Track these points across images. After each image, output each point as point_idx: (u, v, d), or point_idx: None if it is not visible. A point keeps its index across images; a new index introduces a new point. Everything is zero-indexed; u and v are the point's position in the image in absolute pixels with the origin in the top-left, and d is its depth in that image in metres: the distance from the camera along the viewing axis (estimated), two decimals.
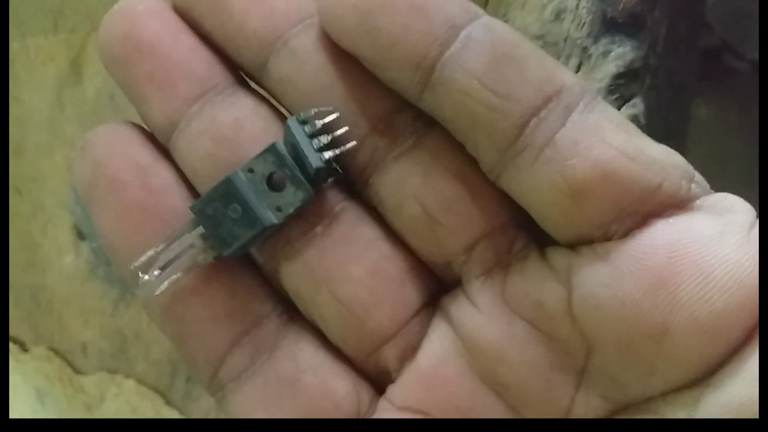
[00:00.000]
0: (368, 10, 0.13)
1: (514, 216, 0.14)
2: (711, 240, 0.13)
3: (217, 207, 0.14)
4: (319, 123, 0.14)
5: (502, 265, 0.14)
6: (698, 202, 0.13)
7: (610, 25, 0.20)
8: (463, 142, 0.14)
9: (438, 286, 0.15)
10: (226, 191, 0.14)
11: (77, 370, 0.33)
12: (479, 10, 0.14)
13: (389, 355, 0.15)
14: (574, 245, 0.14)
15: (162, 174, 0.15)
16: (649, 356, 0.13)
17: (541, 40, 0.21)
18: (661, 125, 0.23)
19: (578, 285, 0.13)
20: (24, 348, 0.35)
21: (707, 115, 0.50)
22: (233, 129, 0.15)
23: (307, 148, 0.14)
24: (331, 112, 0.14)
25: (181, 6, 0.15)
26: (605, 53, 0.20)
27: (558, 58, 0.20)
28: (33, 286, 0.34)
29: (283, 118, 0.15)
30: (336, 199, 0.15)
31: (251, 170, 0.14)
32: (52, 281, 0.34)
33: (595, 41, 0.20)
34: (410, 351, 0.15)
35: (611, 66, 0.20)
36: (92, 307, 0.32)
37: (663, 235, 0.13)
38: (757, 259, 0.12)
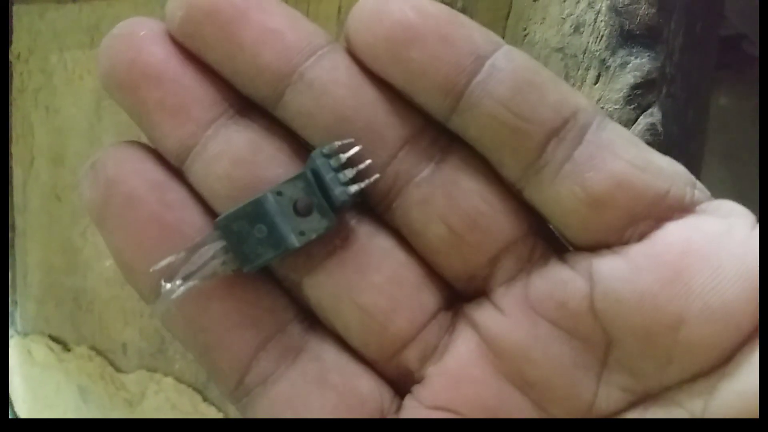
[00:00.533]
0: (401, 41, 0.14)
1: (532, 226, 0.15)
2: (719, 237, 0.14)
3: (243, 225, 0.15)
4: (344, 157, 0.15)
5: (524, 271, 0.15)
6: (702, 206, 0.15)
7: (627, 38, 0.21)
8: (489, 159, 0.15)
9: (451, 293, 0.16)
10: (254, 211, 0.15)
11: (118, 369, 0.34)
12: (500, 40, 0.15)
13: (410, 356, 0.15)
14: (593, 249, 0.15)
15: (177, 189, 0.15)
16: (667, 346, 0.14)
17: (561, 52, 0.21)
18: (678, 127, 0.24)
19: (599, 281, 0.14)
20: (66, 348, 0.37)
21: (727, 103, 0.51)
22: (250, 150, 0.15)
23: (333, 181, 0.15)
24: (353, 145, 0.15)
25: (182, 36, 0.15)
26: (623, 65, 0.21)
27: (577, 70, 0.21)
28: (74, 289, 0.36)
29: (296, 140, 0.16)
30: (351, 213, 0.16)
31: (280, 193, 0.15)
32: (93, 284, 0.35)
33: (613, 53, 0.21)
34: (430, 352, 0.16)
35: (629, 77, 0.21)
36: (131, 309, 0.33)
37: (675, 233, 0.14)
38: (742, 254, 0.14)
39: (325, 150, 0.15)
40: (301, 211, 0.15)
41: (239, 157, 0.15)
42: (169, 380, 0.32)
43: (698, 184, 0.15)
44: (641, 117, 0.21)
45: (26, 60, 0.36)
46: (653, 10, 0.20)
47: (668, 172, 0.14)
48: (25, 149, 0.37)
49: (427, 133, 0.15)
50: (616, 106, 0.21)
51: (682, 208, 0.14)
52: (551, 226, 0.15)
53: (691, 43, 0.25)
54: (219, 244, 0.15)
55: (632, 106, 0.21)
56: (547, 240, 0.15)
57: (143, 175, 0.15)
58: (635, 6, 0.20)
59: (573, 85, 0.21)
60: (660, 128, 0.21)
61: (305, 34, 0.15)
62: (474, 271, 0.15)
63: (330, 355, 0.16)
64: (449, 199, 0.15)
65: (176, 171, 0.16)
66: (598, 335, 0.14)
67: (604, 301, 0.14)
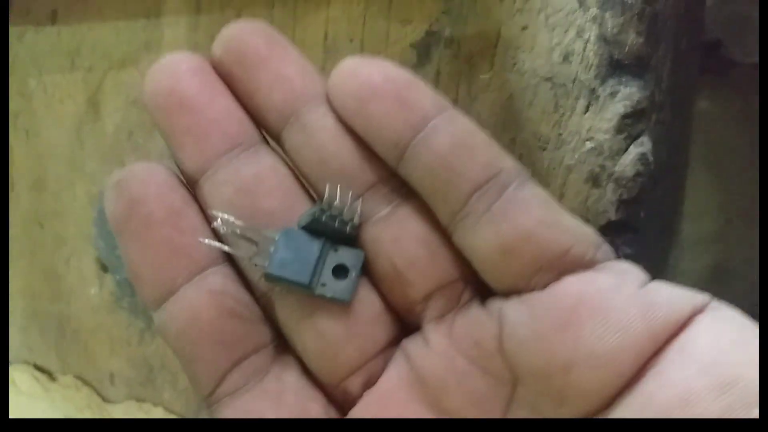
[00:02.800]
0: (364, 97, 0.17)
1: (462, 274, 0.17)
2: (609, 291, 0.16)
3: (298, 242, 0.17)
4: (340, 206, 0.17)
5: (452, 311, 0.17)
6: (601, 264, 0.16)
7: (616, 67, 0.21)
8: (428, 204, 0.17)
9: (402, 330, 0.18)
10: (311, 245, 0.17)
11: (105, 399, 0.34)
12: (448, 105, 0.17)
13: (355, 383, 0.18)
14: (506, 294, 0.17)
15: (192, 216, 0.18)
16: (560, 387, 0.15)
17: (550, 81, 0.21)
18: (666, 149, 0.24)
19: (506, 324, 0.16)
20: (52, 377, 0.36)
21: (708, 108, 0.51)
22: (253, 182, 0.18)
23: (341, 223, 0.17)
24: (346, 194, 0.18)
25: (220, 65, 0.18)
26: (613, 94, 0.21)
27: (567, 99, 0.21)
28: (58, 317, 0.35)
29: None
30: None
31: (336, 249, 0.18)
32: (78, 312, 0.34)
33: (603, 82, 0.21)
34: (372, 381, 0.18)
35: (619, 106, 0.21)
36: (118, 337, 0.33)
37: (571, 286, 0.16)
38: (644, 308, 0.15)
39: (324, 206, 0.17)
40: (335, 273, 0.17)
41: (243, 187, 0.18)
42: (159, 410, 0.31)
43: (604, 245, 0.17)
44: (631, 146, 0.21)
45: None
46: (641, 39, 0.20)
47: (573, 231, 0.16)
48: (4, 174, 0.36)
49: (390, 181, 0.18)
50: (606, 136, 0.21)
51: (582, 264, 0.16)
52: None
53: (678, 63, 0.25)
54: (273, 237, 0.17)
55: (623, 136, 0.21)
56: (477, 286, 0.18)
57: (162, 200, 0.17)
58: (624, 35, 0.20)
59: (563, 114, 0.21)
60: (650, 158, 0.20)
61: (310, 82, 0.18)
62: (411, 305, 0.18)
63: (291, 378, 0.18)
64: (395, 240, 0.17)
65: (189, 189, 0.18)
66: (506, 374, 0.16)
67: (509, 342, 0.16)
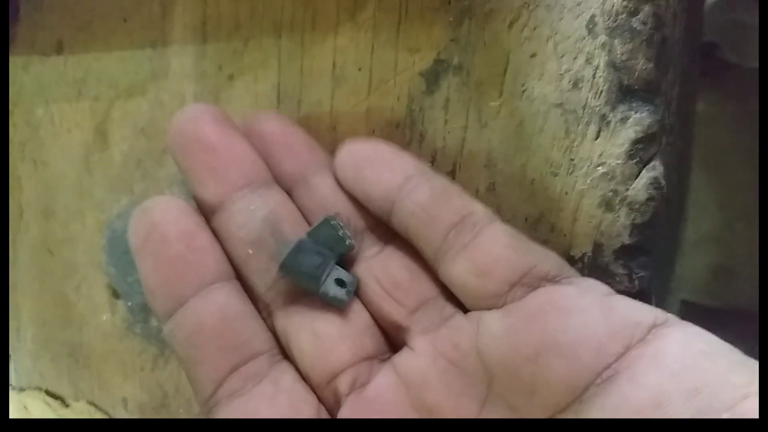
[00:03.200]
0: (359, 164, 0.21)
1: (444, 293, 0.20)
2: (573, 297, 0.18)
3: (314, 247, 0.20)
4: (344, 227, 0.21)
5: (437, 325, 0.20)
6: (567, 280, 0.19)
7: (626, 92, 0.21)
8: (416, 248, 0.21)
9: (391, 348, 0.21)
10: (326, 251, 0.21)
11: None
12: (426, 167, 0.21)
13: (344, 382, 0.20)
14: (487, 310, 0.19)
15: (203, 238, 0.20)
16: (529, 377, 0.17)
17: (561, 108, 0.21)
18: (676, 168, 0.24)
19: (482, 325, 0.19)
20: (65, 403, 0.36)
21: (704, 109, 0.51)
22: (266, 211, 0.21)
23: (344, 236, 0.21)
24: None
25: (245, 128, 0.22)
26: (623, 120, 0.21)
27: (578, 126, 0.21)
28: (70, 344, 0.35)
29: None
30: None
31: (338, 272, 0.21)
32: (89, 338, 0.34)
33: (613, 108, 0.21)
34: (358, 384, 0.20)
35: (630, 132, 0.21)
36: (131, 363, 0.33)
37: (540, 294, 0.19)
38: (605, 310, 0.17)
39: (333, 222, 0.21)
40: (339, 282, 0.21)
41: (257, 216, 0.21)
42: None
43: (566, 266, 0.19)
44: (643, 171, 0.21)
45: (11, 112, 0.35)
46: (651, 65, 0.20)
47: (537, 254, 0.19)
48: (13, 203, 0.36)
49: (380, 227, 0.22)
50: (618, 161, 0.21)
51: (549, 280, 0.19)
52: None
53: (685, 82, 0.25)
54: (297, 238, 0.21)
55: (634, 161, 0.21)
56: (459, 303, 0.20)
57: (178, 222, 0.20)
58: (633, 61, 0.20)
59: (573, 140, 0.21)
60: (663, 182, 0.21)
61: (315, 155, 0.23)
62: (399, 322, 0.20)
63: (286, 381, 0.20)
64: (383, 268, 0.21)
65: (205, 218, 0.21)
66: (482, 372, 0.19)
67: (483, 339, 0.19)
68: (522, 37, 0.22)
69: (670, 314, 0.17)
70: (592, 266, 0.21)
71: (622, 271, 0.21)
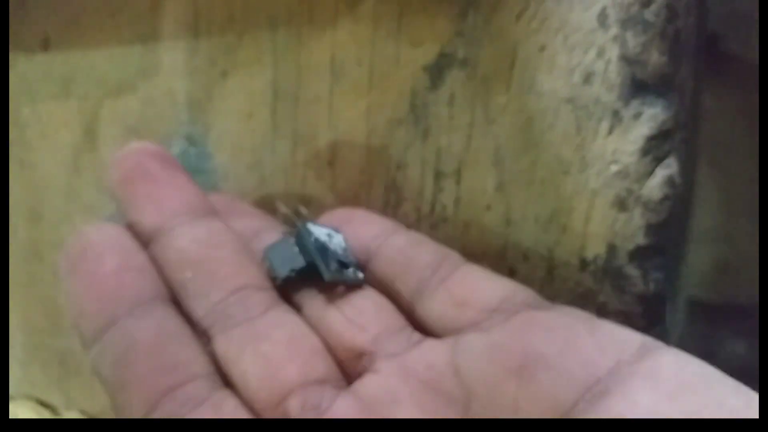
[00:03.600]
0: (345, 222, 0.22)
1: (409, 323, 0.20)
2: (556, 316, 0.18)
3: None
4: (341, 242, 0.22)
5: (404, 348, 0.19)
6: (546, 306, 0.19)
7: (640, 87, 0.20)
8: (390, 290, 0.21)
9: (344, 378, 0.19)
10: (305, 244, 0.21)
11: None
12: (400, 227, 0.22)
13: (292, 405, 0.18)
14: None
15: (140, 258, 0.20)
16: (513, 393, 0.16)
17: (571, 103, 0.21)
18: (689, 166, 0.23)
19: (460, 344, 0.18)
20: (56, 412, 0.35)
21: (708, 102, 0.51)
22: (207, 235, 0.20)
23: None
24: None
25: None
26: (637, 115, 0.20)
27: (589, 122, 0.20)
28: (61, 352, 0.34)
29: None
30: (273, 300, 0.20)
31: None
32: (80, 346, 0.33)
33: (626, 103, 0.20)
34: (309, 408, 0.18)
35: (644, 128, 0.20)
36: None
37: (521, 315, 0.18)
38: (592, 328, 0.17)
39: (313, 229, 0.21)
40: (342, 264, 0.21)
41: (197, 238, 0.20)
42: None
43: (544, 300, 0.19)
44: (658, 168, 0.20)
45: None
46: (665, 58, 0.20)
47: (513, 285, 0.19)
48: None
49: None
50: (632, 159, 0.20)
51: (528, 305, 0.18)
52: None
53: (698, 76, 0.24)
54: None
55: (649, 158, 0.20)
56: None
57: (115, 243, 0.20)
58: (646, 55, 0.20)
59: (585, 137, 0.20)
60: (678, 180, 0.20)
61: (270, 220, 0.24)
62: (360, 346, 0.19)
63: (229, 407, 0.18)
64: (346, 300, 0.20)
65: (144, 245, 0.20)
66: (460, 391, 0.17)
67: (462, 355, 0.18)
68: (530, 30, 0.21)
69: (659, 341, 0.17)
70: (606, 268, 0.21)
71: (636, 274, 0.20)
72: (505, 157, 0.22)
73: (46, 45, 0.32)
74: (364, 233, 0.22)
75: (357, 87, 0.24)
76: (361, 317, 0.20)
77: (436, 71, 0.22)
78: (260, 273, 0.20)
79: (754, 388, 0.15)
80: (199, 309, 0.19)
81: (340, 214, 0.23)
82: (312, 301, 0.20)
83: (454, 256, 0.20)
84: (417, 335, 0.20)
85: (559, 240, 0.21)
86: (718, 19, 0.46)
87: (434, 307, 0.19)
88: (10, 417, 0.37)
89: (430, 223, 0.23)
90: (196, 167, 0.29)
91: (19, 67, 0.33)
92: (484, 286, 0.19)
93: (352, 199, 0.25)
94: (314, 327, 0.20)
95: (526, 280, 0.22)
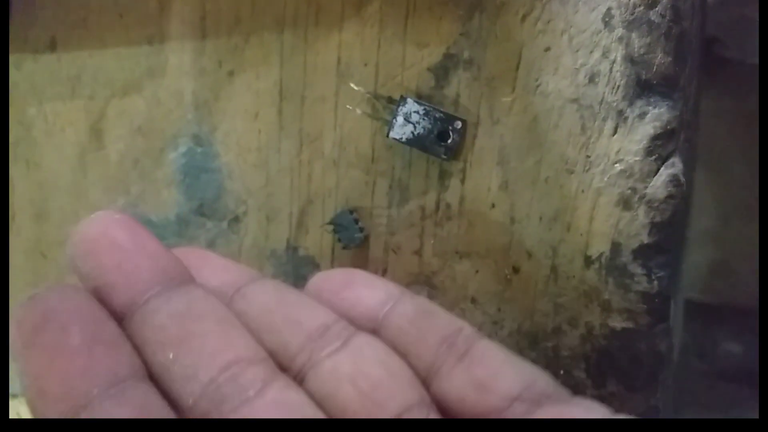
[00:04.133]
0: (336, 288, 0.21)
1: (427, 395, 0.19)
2: (576, 410, 0.18)
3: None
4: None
5: None
6: (565, 398, 0.18)
7: (644, 87, 0.20)
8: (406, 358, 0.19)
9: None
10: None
11: None
12: (404, 290, 0.20)
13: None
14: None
15: (112, 329, 0.17)
16: None
17: (576, 103, 0.21)
18: (691, 166, 0.23)
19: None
20: None
21: (705, 105, 0.51)
22: (186, 306, 0.18)
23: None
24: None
25: None
26: (641, 115, 0.20)
27: (594, 122, 0.21)
28: None
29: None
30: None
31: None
32: None
33: (631, 104, 0.20)
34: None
35: (648, 128, 0.20)
36: None
37: (547, 410, 0.18)
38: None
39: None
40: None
41: (176, 311, 0.17)
42: None
43: (560, 385, 0.19)
44: (662, 168, 0.20)
45: None
46: (669, 59, 0.20)
47: (532, 369, 0.19)
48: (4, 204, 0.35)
49: (341, 321, 0.20)
50: (637, 158, 0.20)
51: (548, 396, 0.18)
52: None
53: (701, 78, 0.24)
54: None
55: (653, 158, 0.20)
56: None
57: (82, 311, 0.17)
58: (651, 55, 0.20)
59: (590, 137, 0.21)
60: (682, 179, 0.20)
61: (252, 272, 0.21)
62: None
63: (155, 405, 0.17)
64: (355, 366, 0.18)
65: (117, 319, 0.18)
66: None
67: None
68: (535, 31, 0.21)
69: None
70: (610, 266, 0.21)
71: (641, 272, 0.20)
72: (509, 157, 0.22)
73: (53, 46, 0.32)
74: (368, 299, 0.20)
75: (363, 87, 0.24)
76: (377, 392, 0.18)
77: (442, 72, 0.23)
78: (250, 342, 0.18)
79: (751, 388, 0.15)
80: (186, 393, 0.17)
81: (339, 276, 0.21)
82: (320, 367, 0.18)
83: (468, 329, 0.20)
84: (432, 414, 0.18)
85: (563, 238, 0.21)
86: (715, 25, 0.46)
87: (453, 388, 0.19)
88: (13, 415, 0.37)
89: (435, 221, 0.23)
90: (202, 166, 0.29)
91: (26, 67, 0.33)
92: (505, 370, 0.18)
93: (357, 198, 0.25)
94: (322, 403, 0.18)
95: (530, 278, 0.22)
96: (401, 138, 0.23)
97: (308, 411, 0.17)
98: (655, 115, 0.20)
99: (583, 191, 0.21)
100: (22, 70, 0.33)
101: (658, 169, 0.20)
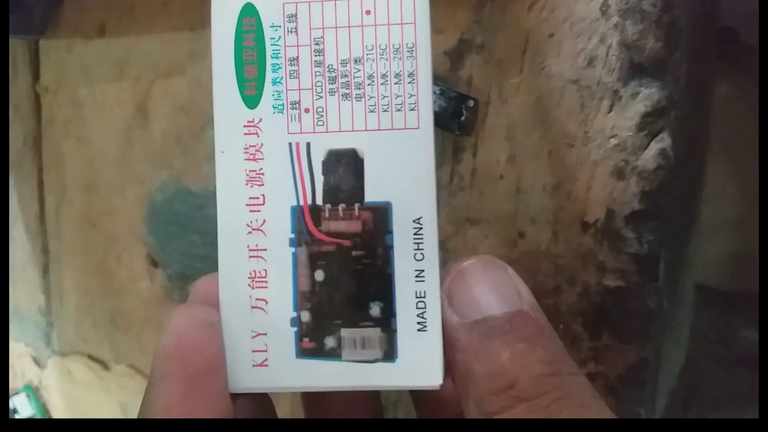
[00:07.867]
0: None
1: None
2: None
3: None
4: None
5: None
6: None
7: (637, 70, 0.22)
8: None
9: None
10: None
11: None
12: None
13: None
14: None
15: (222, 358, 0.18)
16: None
17: (576, 84, 0.23)
18: (685, 141, 0.26)
19: None
20: (106, 366, 0.39)
21: (727, 93, 0.52)
22: None
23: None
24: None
25: None
26: (634, 95, 0.22)
27: (592, 100, 0.23)
28: (111, 310, 0.38)
29: None
30: None
31: None
32: (129, 305, 0.37)
33: (625, 84, 0.23)
34: None
35: (640, 106, 0.22)
36: None
37: None
38: None
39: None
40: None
41: None
42: None
43: None
44: (652, 142, 0.22)
45: (55, 92, 0.38)
46: (660, 44, 0.22)
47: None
48: (57, 178, 0.38)
49: None
50: (629, 133, 0.23)
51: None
52: None
53: (694, 60, 0.26)
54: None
55: (644, 133, 0.22)
56: None
57: (202, 337, 0.18)
58: (643, 41, 0.22)
59: (588, 114, 0.23)
60: (670, 152, 0.22)
61: None
62: None
63: None
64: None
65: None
66: None
67: None
68: (541, 19, 0.23)
69: None
70: (605, 231, 0.23)
71: (632, 235, 0.23)
72: (517, 132, 0.24)
73: (102, 31, 0.35)
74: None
75: None
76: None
77: (456, 55, 0.25)
78: None
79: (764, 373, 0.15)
80: None
81: None
82: None
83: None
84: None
85: (563, 206, 0.24)
86: (738, 15, 0.48)
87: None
88: (65, 372, 0.41)
89: (449, 191, 0.26)
90: None
91: (76, 50, 0.36)
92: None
93: None
94: None
95: (533, 242, 0.25)
96: None
97: None
98: (647, 95, 0.22)
99: (581, 163, 0.23)
100: (73, 53, 0.36)
101: (649, 144, 0.22)
